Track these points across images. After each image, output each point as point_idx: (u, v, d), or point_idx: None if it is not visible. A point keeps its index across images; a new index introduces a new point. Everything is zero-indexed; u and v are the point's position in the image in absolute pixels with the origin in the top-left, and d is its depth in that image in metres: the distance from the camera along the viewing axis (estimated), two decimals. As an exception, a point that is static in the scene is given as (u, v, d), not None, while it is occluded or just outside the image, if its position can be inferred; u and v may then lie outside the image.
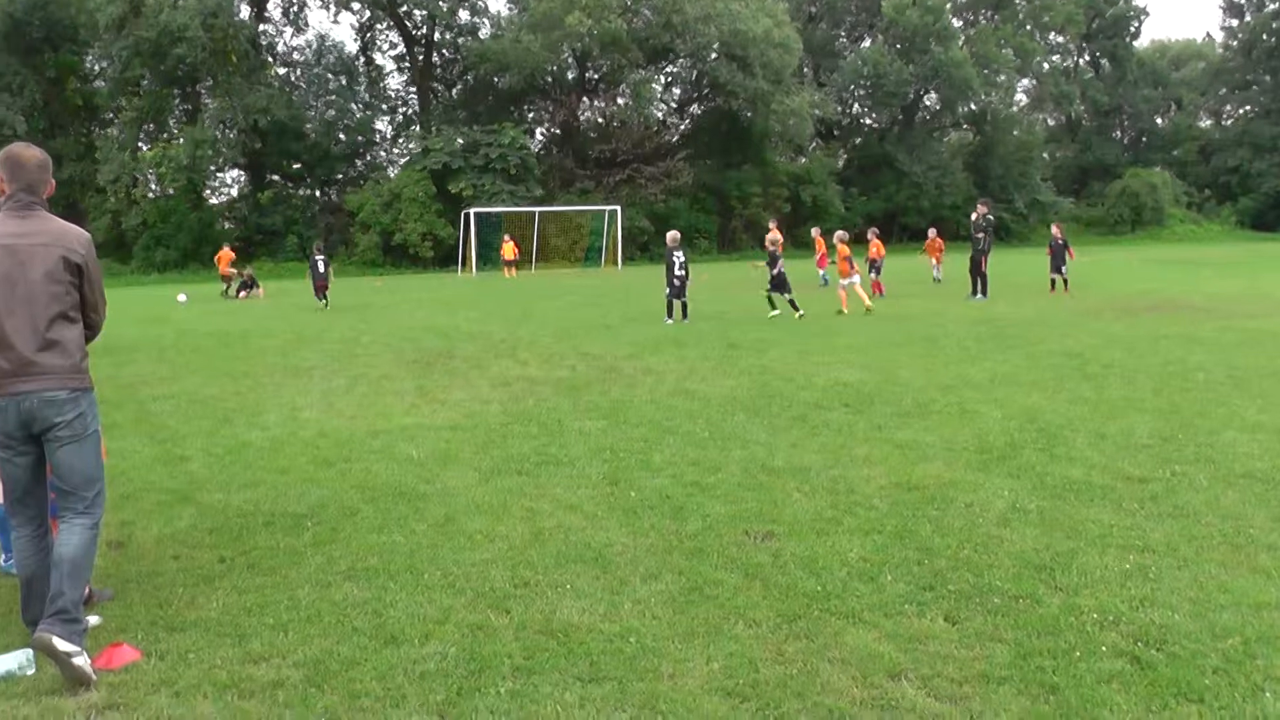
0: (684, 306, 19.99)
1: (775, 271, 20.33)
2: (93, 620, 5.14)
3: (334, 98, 61.30)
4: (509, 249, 43.31)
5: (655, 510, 6.95)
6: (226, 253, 31.28)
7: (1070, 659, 4.63)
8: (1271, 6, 74.87)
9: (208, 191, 59.12)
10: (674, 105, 67.12)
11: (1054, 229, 26.07)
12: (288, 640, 4.96)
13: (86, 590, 5.14)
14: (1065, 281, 24.62)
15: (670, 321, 19.46)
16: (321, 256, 27.54)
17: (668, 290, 19.80)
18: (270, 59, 61.19)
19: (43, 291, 4.71)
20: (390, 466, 8.34)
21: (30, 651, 4.68)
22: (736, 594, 5.43)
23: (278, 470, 8.35)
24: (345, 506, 7.21)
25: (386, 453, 8.86)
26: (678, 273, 19.75)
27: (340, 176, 62.29)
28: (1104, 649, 4.73)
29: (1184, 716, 4.16)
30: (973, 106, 66.25)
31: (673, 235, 20.67)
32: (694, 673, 4.56)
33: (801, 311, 19.74)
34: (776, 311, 20.00)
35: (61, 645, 4.44)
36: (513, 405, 11.07)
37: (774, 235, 21.77)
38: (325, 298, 26.72)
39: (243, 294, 32.29)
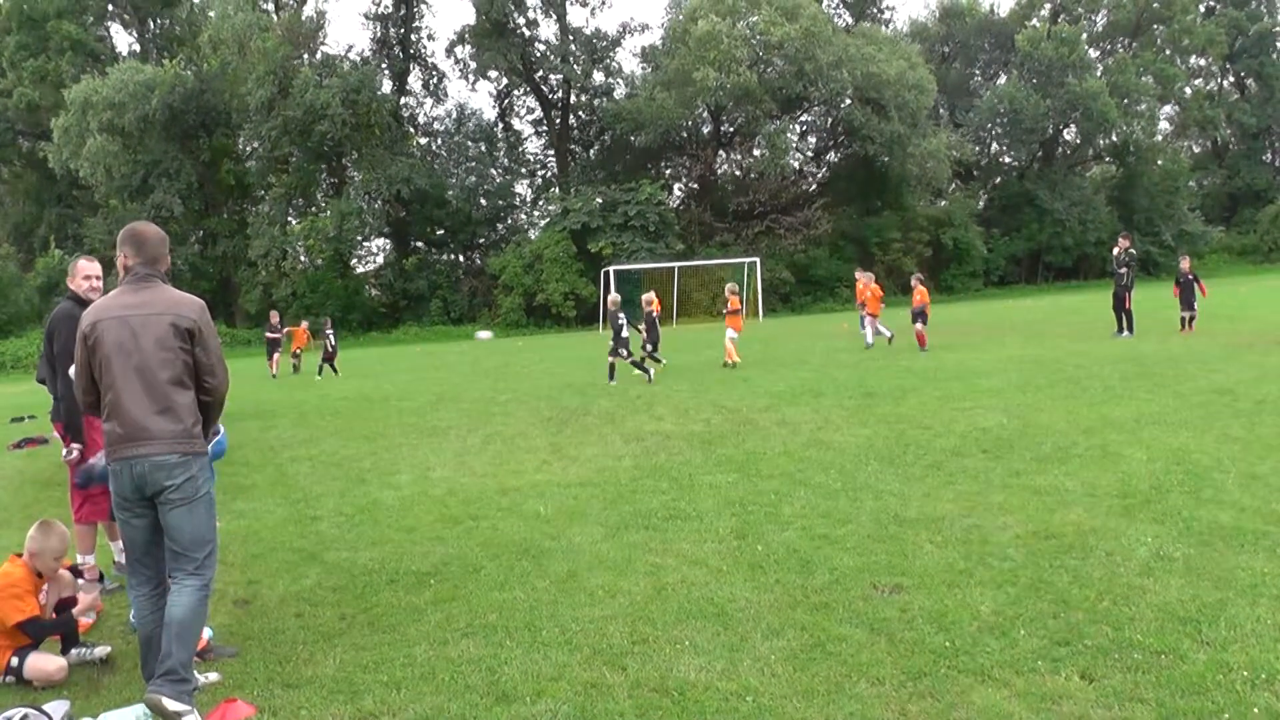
0: (611, 368, 19.42)
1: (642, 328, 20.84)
2: (212, 677, 5.27)
3: (474, 164, 62.98)
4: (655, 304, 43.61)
5: (781, 564, 6.81)
6: (303, 329, 32.49)
7: (1218, 720, 4.33)
8: None
9: (354, 260, 61.06)
10: (810, 154, 67.04)
11: (1183, 263, 24.52)
12: (400, 697, 4.98)
13: (203, 646, 5.27)
14: (1192, 320, 23.08)
15: (613, 383, 19.01)
16: (331, 331, 29.03)
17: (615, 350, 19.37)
18: (412, 130, 63.20)
19: (153, 358, 4.87)
20: (517, 523, 8.38)
21: (144, 707, 4.80)
22: (860, 650, 5.27)
23: (405, 529, 8.46)
24: (469, 564, 7.26)
25: (514, 510, 8.91)
26: (624, 335, 19.41)
27: (482, 240, 63.75)
28: (1256, 710, 4.42)
29: (1340, 783, 3.86)
30: (1113, 138, 64.43)
31: (614, 298, 20.93)
32: (812, 732, 4.42)
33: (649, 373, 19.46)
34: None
35: (171, 705, 4.60)
36: (645, 460, 11.04)
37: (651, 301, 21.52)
38: (334, 367, 28.23)
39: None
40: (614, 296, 21.37)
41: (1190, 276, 23.29)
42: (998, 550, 6.84)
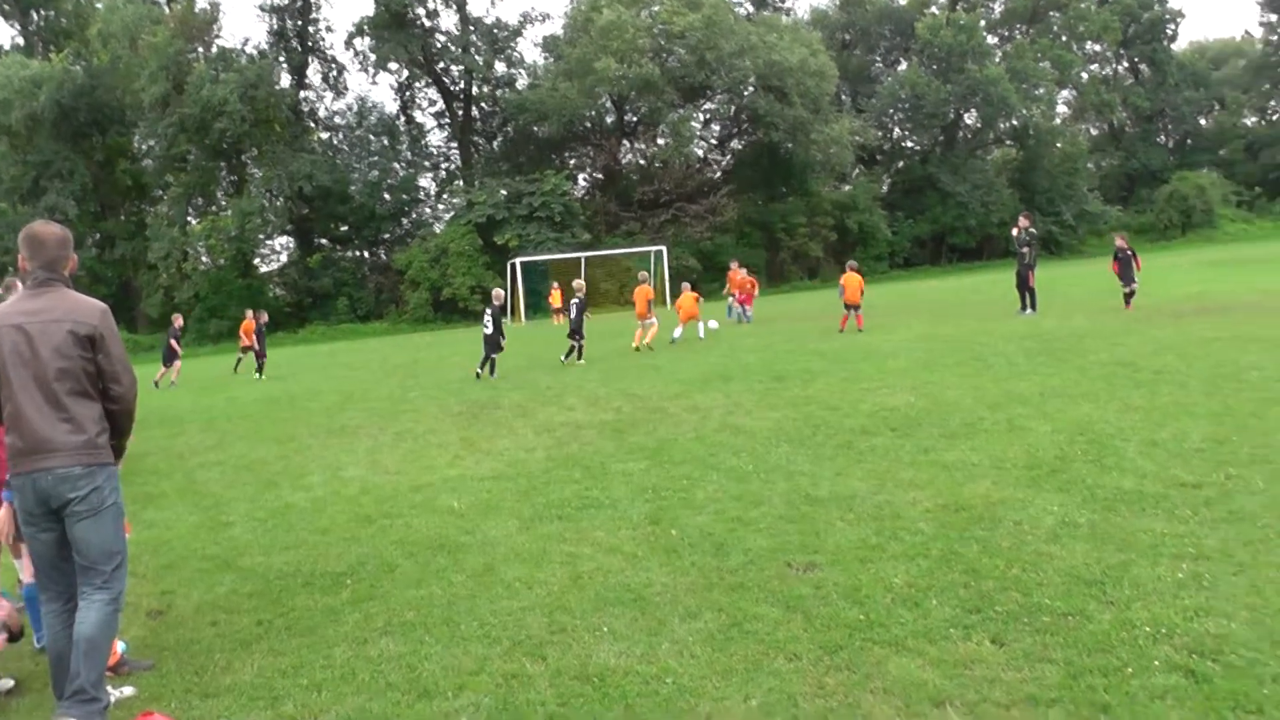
0: (488, 363, 19.60)
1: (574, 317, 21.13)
2: (127, 691, 5.17)
3: (377, 158, 62.24)
4: (557, 296, 43.54)
5: (696, 548, 6.87)
6: (250, 322, 30.37)
7: (1122, 676, 4.52)
8: (1312, -2, 74.15)
9: (257, 260, 60.01)
10: (714, 142, 67.37)
11: (1119, 239, 24.16)
12: (321, 700, 4.96)
13: (115, 660, 5.16)
14: (1131, 295, 22.61)
15: (494, 377, 19.29)
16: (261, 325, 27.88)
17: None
18: (313, 124, 62.30)
19: (52, 367, 4.73)
20: (431, 520, 8.34)
21: None
22: (777, 628, 5.35)
23: (319, 530, 8.38)
24: (384, 562, 7.22)
25: (428, 506, 8.87)
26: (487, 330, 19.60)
27: (387, 236, 63.01)
28: (1157, 663, 4.60)
29: (1241, 730, 4.02)
30: (1013, 122, 65.73)
31: (578, 284, 22.00)
32: (732, 711, 4.49)
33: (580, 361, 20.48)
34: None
35: None
36: (557, 451, 11.05)
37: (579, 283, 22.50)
38: (259, 368, 27.03)
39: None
40: (579, 282, 22.25)
41: (1128, 252, 23.13)
42: (909, 524, 6.98)
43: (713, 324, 24.37)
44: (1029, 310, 23.28)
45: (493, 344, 19.39)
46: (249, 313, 30.19)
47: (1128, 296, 22.47)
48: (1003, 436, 9.68)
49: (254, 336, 27.78)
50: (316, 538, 8.14)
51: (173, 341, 28.23)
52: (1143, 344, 15.51)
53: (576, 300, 21.28)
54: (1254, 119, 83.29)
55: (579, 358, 20.81)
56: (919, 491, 7.85)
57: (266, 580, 7.09)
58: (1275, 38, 77.22)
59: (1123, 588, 5.51)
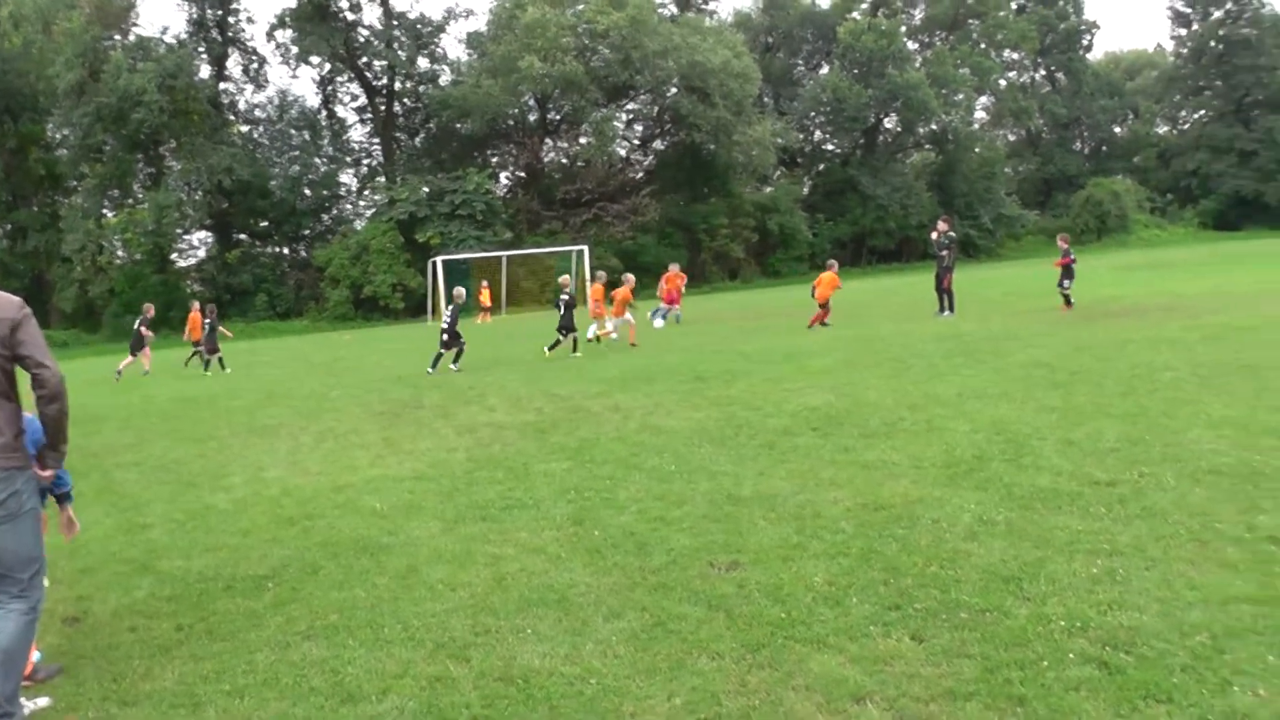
0: (438, 359, 20.06)
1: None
2: (42, 702, 5.07)
3: (298, 153, 61.36)
4: (486, 295, 43.38)
5: (619, 548, 6.91)
6: (197, 315, 29.81)
7: (1038, 669, 4.64)
8: (1216, 14, 76.30)
9: (175, 255, 58.80)
10: (637, 142, 67.42)
11: (1060, 241, 24.10)
12: (243, 706, 4.91)
13: (29, 670, 5.06)
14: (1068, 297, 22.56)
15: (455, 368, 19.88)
16: (209, 320, 27.02)
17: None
18: (233, 117, 61.24)
19: None
20: (354, 521, 8.28)
21: None
22: (700, 627, 5.40)
23: (240, 532, 8.27)
24: (307, 564, 7.15)
25: (350, 507, 8.79)
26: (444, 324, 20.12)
27: (307, 232, 62.12)
28: (1072, 656, 4.74)
29: (1152, 718, 4.16)
30: (933, 127, 66.73)
31: (564, 279, 22.14)
32: (655, 710, 4.53)
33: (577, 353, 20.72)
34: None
35: None
36: (479, 451, 11.02)
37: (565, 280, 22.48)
38: (217, 361, 26.47)
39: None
40: (564, 278, 22.25)
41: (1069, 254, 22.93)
42: (830, 523, 7.08)
43: (658, 322, 24.42)
44: (947, 312, 23.64)
45: (452, 339, 19.78)
46: (194, 305, 29.72)
47: (1067, 298, 22.40)
48: (922, 436, 9.84)
49: (200, 331, 27.33)
50: (237, 539, 8.03)
51: (143, 329, 27.39)
52: (1059, 345, 15.84)
53: (566, 296, 21.34)
54: (1166, 128, 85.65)
55: (574, 349, 21.00)
56: (840, 491, 7.96)
57: (186, 584, 6.98)
58: (1186, 51, 79.32)
59: (1039, 583, 5.66)
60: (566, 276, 22.57)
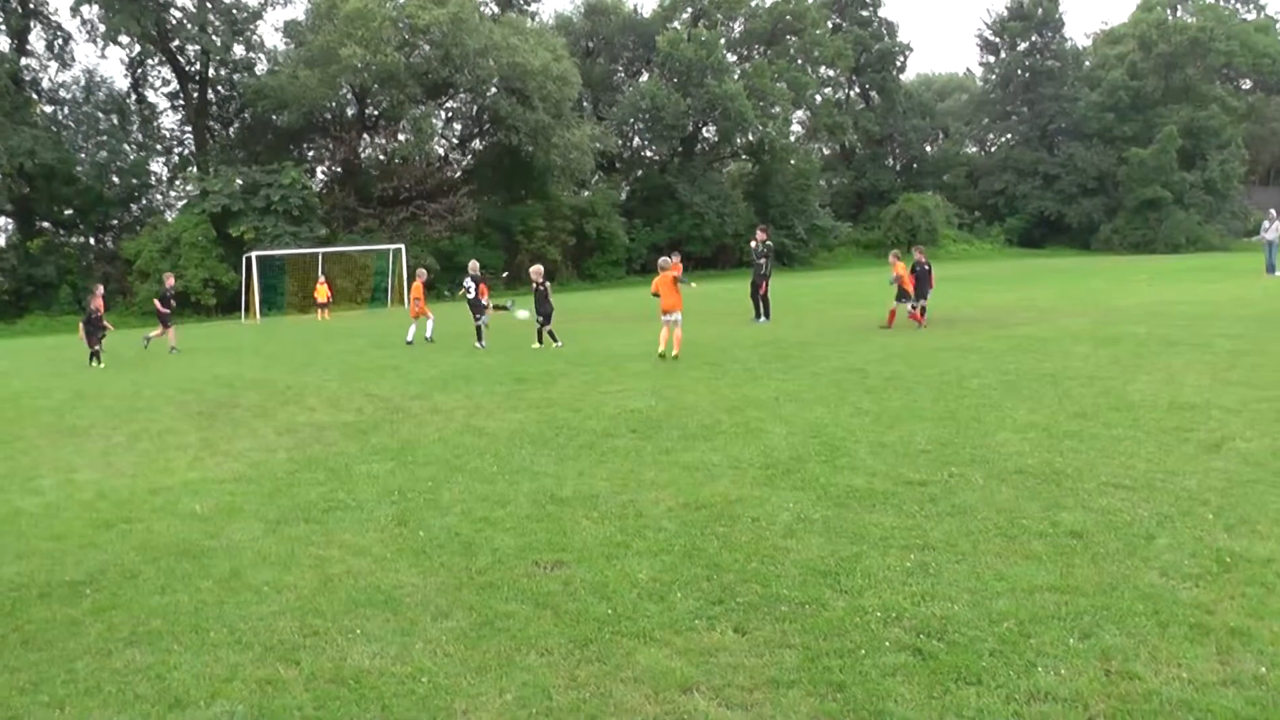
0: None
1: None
2: None
3: (105, 138, 58.47)
4: (322, 291, 42.37)
5: (445, 548, 7.00)
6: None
7: (856, 657, 4.95)
8: (1023, 45, 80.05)
9: (-29, 242, 55.69)
10: (455, 141, 66.87)
11: (917, 253, 23.30)
12: (64, 716, 4.83)
13: None
14: (924, 309, 21.94)
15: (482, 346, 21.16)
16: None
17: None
18: (35, 96, 58.17)
19: None
20: (173, 524, 8.13)
21: None
22: (528, 624, 5.55)
23: (53, 537, 8.00)
24: (126, 569, 7.00)
25: (169, 510, 8.62)
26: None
27: (116, 222, 59.37)
28: (887, 644, 5.07)
29: (963, 699, 4.49)
30: (750, 137, 67.91)
31: (537, 269, 21.92)
32: (487, 706, 4.65)
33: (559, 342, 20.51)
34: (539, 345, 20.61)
35: None
36: (299, 452, 10.92)
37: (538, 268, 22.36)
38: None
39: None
40: (537, 268, 21.88)
41: (926, 266, 22.50)
42: (652, 522, 7.32)
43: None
44: (763, 318, 24.28)
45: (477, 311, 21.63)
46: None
47: (919, 309, 21.95)
48: (740, 438, 10.19)
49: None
50: (51, 545, 7.78)
51: (163, 303, 26.33)
52: (873, 352, 16.51)
53: (541, 287, 21.03)
54: (974, 149, 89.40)
55: (554, 340, 20.62)
56: (661, 491, 8.21)
57: (-3, 591, 6.76)
58: (994, 77, 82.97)
59: (855, 577, 6.02)
60: (539, 266, 22.03)
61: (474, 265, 22.93)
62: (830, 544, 6.67)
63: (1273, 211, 36.31)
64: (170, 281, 28.19)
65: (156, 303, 27.07)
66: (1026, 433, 9.83)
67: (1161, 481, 7.88)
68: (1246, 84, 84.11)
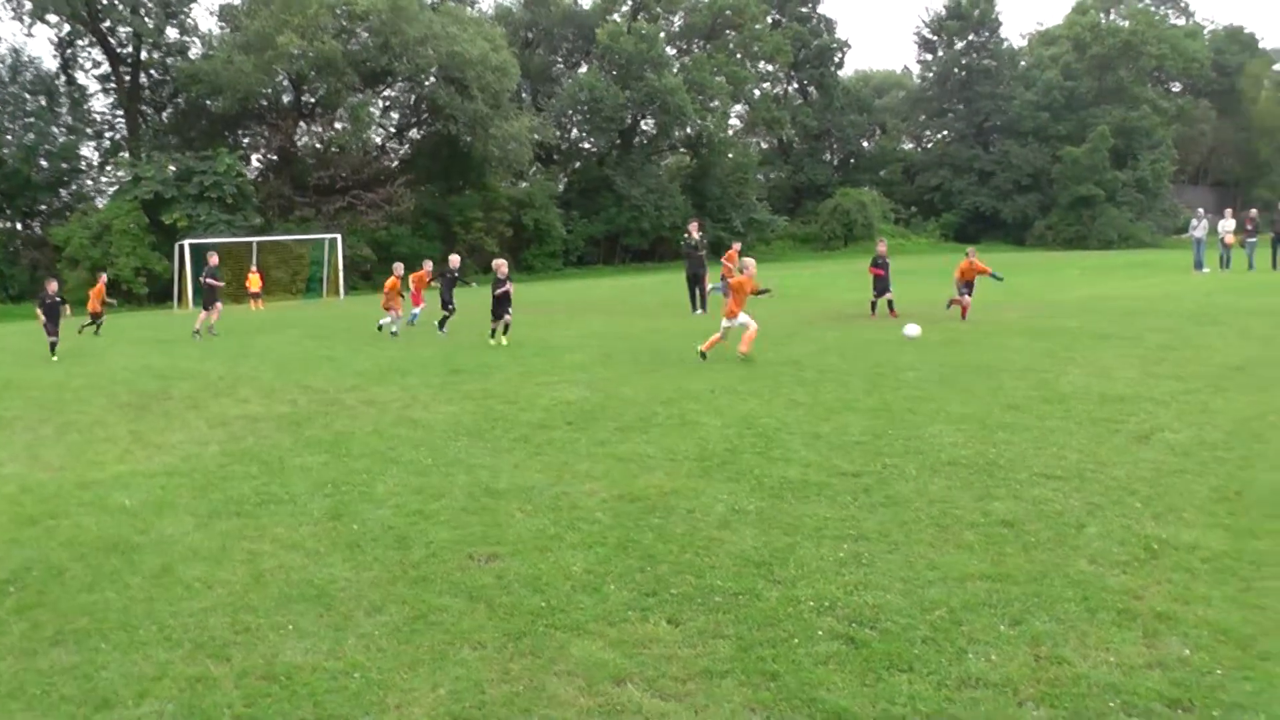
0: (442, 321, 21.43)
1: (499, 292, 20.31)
2: None
3: (33, 120, 57.13)
4: (254, 280, 41.83)
5: (378, 542, 6.98)
6: (101, 286, 27.72)
7: (789, 646, 5.00)
8: (960, 44, 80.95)
9: (-112, 227, 54.30)
10: (393, 130, 66.29)
11: (880, 246, 23.16)
12: (-14, 718, 4.73)
13: None
14: (891, 304, 22.02)
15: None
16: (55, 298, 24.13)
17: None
18: (-43, 73, 56.82)
19: None
20: (101, 519, 7.99)
21: None
22: (461, 618, 5.55)
23: (-27, 533, 7.82)
24: (52, 566, 6.87)
25: (98, 504, 8.47)
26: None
27: (44, 208, 58.17)
28: (821, 633, 5.13)
29: (895, 685, 4.57)
30: (689, 131, 67.96)
31: (498, 263, 21.01)
32: (420, 701, 4.65)
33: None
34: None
35: None
36: (232, 445, 10.79)
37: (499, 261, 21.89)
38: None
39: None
40: (499, 262, 21.12)
41: (885, 260, 22.38)
42: (586, 514, 7.35)
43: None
44: (700, 310, 24.41)
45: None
46: (101, 276, 27.84)
47: (890, 303, 21.96)
48: (675, 430, 10.25)
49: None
50: (-30, 540, 7.61)
51: (212, 280, 25.67)
52: (808, 344, 16.66)
53: (501, 278, 20.18)
54: (911, 145, 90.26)
55: (504, 333, 19.87)
56: (596, 483, 8.24)
57: (-84, 591, 6.58)
58: (931, 75, 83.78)
59: (789, 567, 6.08)
60: (502, 260, 21.41)
61: (454, 259, 23.18)
62: (764, 535, 6.74)
63: (1200, 210, 37.39)
64: (214, 260, 27.30)
65: (209, 280, 26.03)
66: (960, 425, 9.98)
67: (1092, 471, 8.06)
68: (1176, 87, 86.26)
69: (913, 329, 17.23)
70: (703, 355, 15.70)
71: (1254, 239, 35.02)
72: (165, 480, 9.24)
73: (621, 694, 4.64)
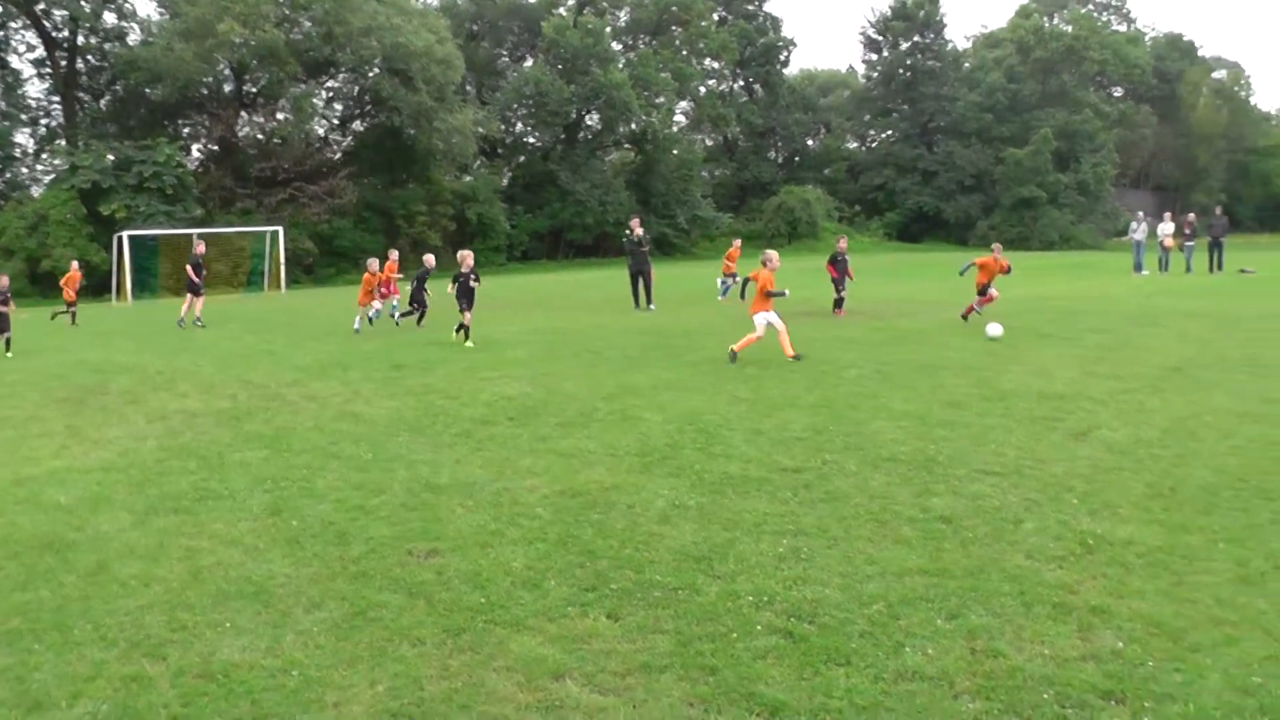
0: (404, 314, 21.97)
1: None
2: None
3: (-36, 105, 56.27)
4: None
5: (318, 538, 6.95)
6: (75, 274, 27.36)
7: (728, 640, 5.06)
8: (905, 45, 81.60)
9: None
10: (336, 121, 65.75)
11: (840, 243, 23.14)
12: (-85, 723, 4.66)
13: None
14: (839, 303, 22.01)
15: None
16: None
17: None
18: (-115, 56, 55.51)
19: None
20: (35, 516, 7.87)
21: None
22: (401, 614, 5.55)
23: (-97, 532, 7.66)
24: (-16, 564, 6.74)
25: (31, 501, 8.33)
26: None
27: (-23, 196, 57.20)
28: (759, 628, 5.19)
29: (833, 679, 4.63)
30: (634, 126, 68.02)
31: (464, 252, 20.47)
32: (359, 698, 4.65)
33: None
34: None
35: None
36: (170, 440, 10.67)
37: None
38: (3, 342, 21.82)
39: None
40: (465, 253, 20.56)
41: (844, 257, 22.36)
42: (527, 510, 7.37)
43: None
44: (650, 306, 24.47)
45: (417, 303, 22.23)
46: (74, 264, 28.19)
47: (837, 302, 21.96)
48: (617, 426, 10.29)
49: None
50: (-102, 538, 7.45)
51: (196, 270, 25.52)
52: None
53: (466, 273, 19.38)
54: (855, 144, 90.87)
55: (457, 331, 19.20)
56: (537, 478, 8.26)
57: None
58: (876, 75, 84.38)
59: (729, 562, 6.14)
60: (467, 253, 20.78)
61: (429, 259, 23.52)
62: (704, 530, 6.79)
63: (1141, 214, 38.08)
64: (201, 248, 27.17)
65: (190, 270, 25.99)
66: (900, 421, 10.11)
67: (1030, 468, 8.20)
68: (1118, 92, 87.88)
69: (995, 328, 17.03)
70: (733, 356, 14.97)
71: (1192, 243, 35.70)
72: (102, 476, 9.12)
73: (560, 689, 4.66)
